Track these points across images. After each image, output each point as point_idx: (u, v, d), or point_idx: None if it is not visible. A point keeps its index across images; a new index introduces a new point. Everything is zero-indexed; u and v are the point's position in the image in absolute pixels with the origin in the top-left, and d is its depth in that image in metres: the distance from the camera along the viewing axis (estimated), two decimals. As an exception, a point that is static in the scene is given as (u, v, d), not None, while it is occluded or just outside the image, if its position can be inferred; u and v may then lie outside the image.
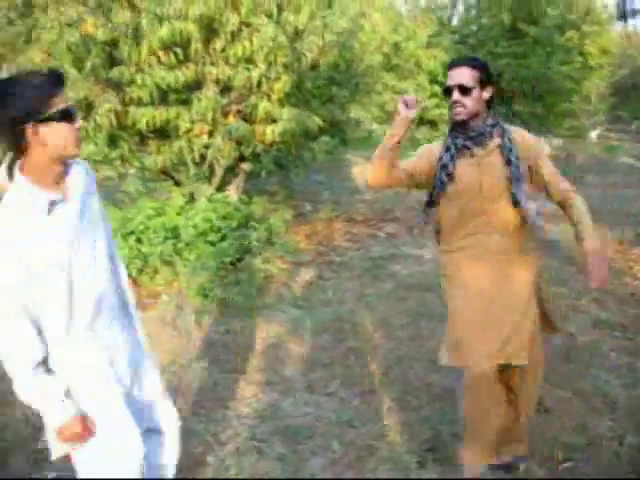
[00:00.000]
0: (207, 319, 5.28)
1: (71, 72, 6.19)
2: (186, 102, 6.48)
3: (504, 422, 2.90)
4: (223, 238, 6.46)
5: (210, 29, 6.17)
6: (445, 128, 12.86)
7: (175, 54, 6.05)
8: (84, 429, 2.12)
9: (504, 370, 2.84)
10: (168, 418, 2.45)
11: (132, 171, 7.57)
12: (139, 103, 6.20)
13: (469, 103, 2.61)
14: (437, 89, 12.37)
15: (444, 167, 2.67)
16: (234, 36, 6.18)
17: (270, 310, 5.51)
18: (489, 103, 2.70)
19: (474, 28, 12.96)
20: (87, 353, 2.13)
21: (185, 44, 6.05)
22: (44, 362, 2.06)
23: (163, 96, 6.42)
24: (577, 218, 2.68)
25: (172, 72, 5.98)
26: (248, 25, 6.22)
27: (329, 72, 7.41)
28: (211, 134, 6.56)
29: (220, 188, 7.64)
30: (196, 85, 6.39)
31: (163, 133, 6.76)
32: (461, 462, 3.00)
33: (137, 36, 6.07)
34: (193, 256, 6.15)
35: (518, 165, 2.68)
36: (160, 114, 6.16)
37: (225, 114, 6.60)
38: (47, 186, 2.00)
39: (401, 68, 12.72)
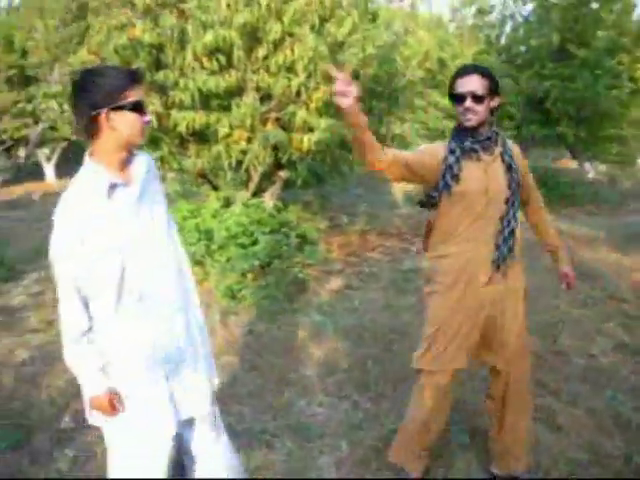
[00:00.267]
0: (232, 319, 5.40)
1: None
2: (227, 108, 6.64)
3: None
4: (254, 242, 6.58)
5: (253, 37, 6.32)
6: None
7: (218, 60, 6.22)
8: (111, 406, 2.24)
9: (494, 375, 2.96)
10: (211, 408, 2.49)
11: (171, 174, 7.77)
12: (181, 106, 6.38)
13: (480, 110, 2.67)
14: (480, 107, 12.35)
15: (450, 168, 2.70)
16: (276, 45, 6.32)
17: (295, 315, 5.61)
18: (493, 112, 2.76)
19: (522, 48, 12.93)
20: (133, 331, 2.23)
21: (228, 51, 6.21)
22: (90, 335, 2.22)
23: (206, 101, 6.60)
24: (552, 238, 3.11)
25: (214, 77, 6.15)
26: (291, 35, 6.35)
27: (369, 84, 7.49)
28: (249, 140, 6.69)
29: (256, 194, 7.77)
30: (237, 91, 6.55)
31: (203, 137, 6.94)
32: (396, 460, 3.08)
33: (182, 41, 6.27)
34: (224, 258, 6.29)
35: (517, 172, 2.75)
36: (200, 118, 6.33)
37: (264, 121, 6.74)
38: (112, 170, 2.18)
39: (446, 85, 12.72)
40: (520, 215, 2.89)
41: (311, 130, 6.68)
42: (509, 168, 2.76)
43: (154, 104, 6.33)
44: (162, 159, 7.08)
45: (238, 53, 6.20)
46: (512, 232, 2.81)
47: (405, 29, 7.95)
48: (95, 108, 2.11)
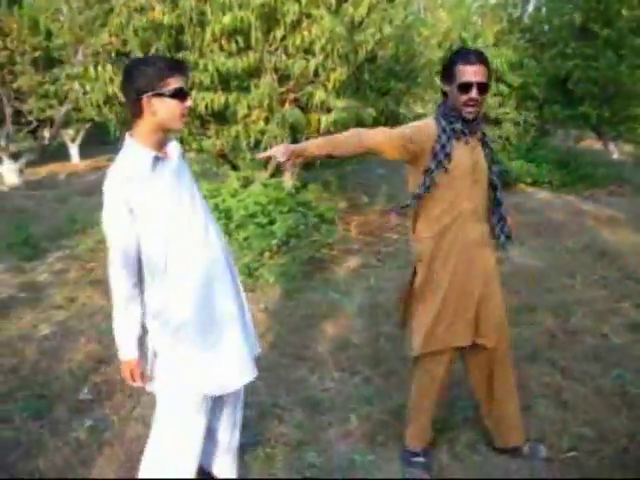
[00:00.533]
0: (249, 296, 5.47)
1: (137, 55, 6.50)
2: (246, 89, 6.71)
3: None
4: (272, 222, 6.67)
5: (271, 18, 6.36)
6: (507, 126, 12.73)
7: (236, 41, 6.28)
8: (135, 374, 2.48)
9: (477, 354, 3.01)
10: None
11: (191, 154, 7.87)
12: (200, 87, 6.46)
13: (482, 101, 2.72)
14: (502, 88, 12.25)
15: (443, 147, 2.73)
16: (294, 26, 6.36)
17: (311, 293, 5.70)
18: None
19: (545, 27, 12.78)
20: (180, 296, 2.45)
21: (246, 32, 6.26)
22: (137, 299, 2.44)
23: (225, 82, 6.67)
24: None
25: (232, 58, 6.21)
26: (308, 16, 6.39)
27: (388, 65, 7.51)
28: (267, 120, 6.76)
29: (275, 174, 7.85)
30: (255, 72, 6.61)
31: (222, 118, 7.02)
32: (407, 444, 3.14)
33: (201, 23, 6.33)
34: (242, 237, 6.38)
35: (495, 156, 2.84)
36: (219, 98, 6.40)
37: (282, 102, 6.80)
38: (152, 148, 2.40)
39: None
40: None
41: (329, 110, 6.73)
42: (491, 151, 2.84)
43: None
44: (182, 140, 7.18)
45: (256, 34, 6.25)
46: (495, 212, 2.91)
47: (424, 8, 7.92)
48: (139, 93, 2.34)
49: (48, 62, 12.86)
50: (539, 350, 4.34)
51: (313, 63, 6.39)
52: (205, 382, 2.51)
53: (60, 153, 18.16)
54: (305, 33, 6.26)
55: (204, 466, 2.86)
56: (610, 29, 11.54)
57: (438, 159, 2.73)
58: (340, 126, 6.78)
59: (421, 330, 2.92)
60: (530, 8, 12.75)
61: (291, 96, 6.80)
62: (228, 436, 2.84)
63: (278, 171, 7.92)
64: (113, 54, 6.83)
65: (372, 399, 3.76)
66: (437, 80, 11.92)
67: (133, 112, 2.39)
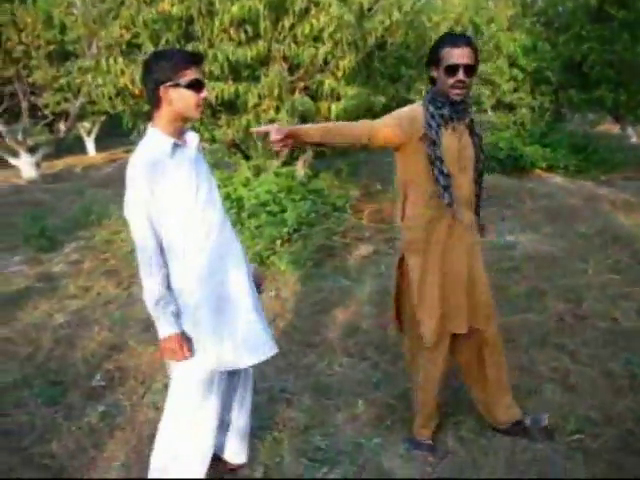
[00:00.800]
0: (260, 284, 5.54)
1: (148, 47, 6.56)
2: (256, 78, 6.74)
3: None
4: (284, 210, 6.70)
5: (279, 7, 6.37)
6: (522, 111, 12.65)
7: (245, 31, 6.30)
8: (181, 349, 2.52)
9: (467, 337, 3.03)
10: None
11: (204, 143, 7.91)
12: (210, 77, 6.50)
13: (469, 83, 2.72)
14: (516, 72, 12.15)
15: (436, 133, 2.74)
16: (302, 14, 6.36)
17: (322, 280, 5.74)
18: None
19: (560, 10, 12.63)
20: (197, 276, 2.54)
21: (255, 22, 6.28)
22: (167, 280, 2.53)
23: (235, 71, 6.70)
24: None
25: (241, 48, 6.23)
26: (317, 4, 6.39)
27: (399, 51, 7.49)
28: (278, 109, 6.78)
29: (288, 163, 7.88)
30: (265, 61, 6.63)
31: (233, 107, 7.05)
32: (417, 435, 3.16)
33: (210, 13, 6.35)
34: (254, 225, 6.43)
35: (482, 142, 2.88)
36: (229, 88, 6.43)
37: (292, 90, 6.82)
38: (171, 136, 2.51)
39: (480, 51, 12.55)
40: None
41: (339, 98, 6.74)
42: (479, 139, 2.87)
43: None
44: (194, 129, 7.21)
45: (264, 24, 6.26)
46: (473, 200, 2.96)
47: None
48: (156, 84, 2.47)
49: (63, 56, 12.95)
50: (548, 335, 4.35)
51: (322, 51, 6.40)
52: (217, 359, 2.59)
53: (76, 146, 18.34)
54: (313, 21, 6.26)
55: (215, 451, 2.92)
56: (626, 11, 11.38)
57: (429, 147, 2.74)
58: (350, 113, 6.81)
59: (430, 320, 2.92)
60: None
61: (301, 84, 6.82)
62: (238, 420, 2.91)
63: (290, 160, 7.95)
64: (124, 46, 6.87)
65: (379, 384, 3.80)
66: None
67: (152, 102, 2.52)
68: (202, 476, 2.70)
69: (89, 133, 17.96)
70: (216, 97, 6.50)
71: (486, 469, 2.94)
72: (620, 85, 11.83)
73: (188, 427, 2.65)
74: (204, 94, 2.51)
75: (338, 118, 6.83)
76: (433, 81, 2.82)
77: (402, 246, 3.02)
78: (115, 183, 10.36)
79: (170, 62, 2.47)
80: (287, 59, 6.61)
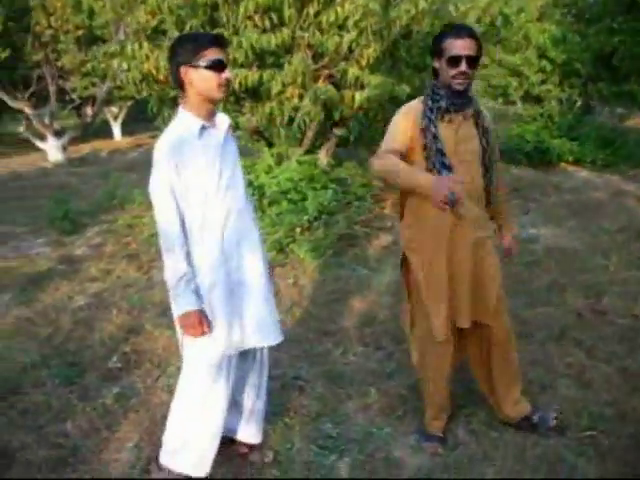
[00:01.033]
0: (278, 271, 5.57)
1: (173, 32, 6.57)
2: (280, 65, 6.72)
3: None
4: (305, 198, 6.71)
5: (304, -6, 6.35)
6: (550, 103, 12.49)
7: (270, 18, 6.29)
8: (200, 325, 2.56)
9: (475, 332, 3.01)
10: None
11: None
12: (235, 64, 6.50)
13: (471, 74, 2.69)
14: (545, 64, 11.99)
15: (428, 130, 2.73)
16: (327, 2, 6.33)
17: (340, 268, 5.74)
18: None
19: (591, 1, 12.44)
20: (211, 257, 2.58)
21: (280, 9, 6.26)
22: (185, 256, 2.55)
23: (260, 59, 6.70)
24: (502, 206, 3.14)
25: (265, 35, 6.22)
26: (342, -8, 6.35)
27: (424, 40, 7.41)
28: (301, 97, 6.76)
29: (311, 151, 7.87)
30: (290, 49, 6.61)
31: (257, 94, 7.05)
32: (428, 427, 3.15)
33: (236, 0, 6.35)
34: (274, 213, 6.44)
35: (489, 134, 2.84)
36: (252, 75, 6.42)
37: (316, 78, 6.79)
38: (201, 118, 2.55)
39: (509, 41, 12.43)
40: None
41: (363, 87, 6.70)
42: (484, 132, 2.82)
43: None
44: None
45: (289, 11, 6.24)
46: (483, 195, 2.90)
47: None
48: (178, 65, 2.52)
49: (91, 40, 13.04)
50: (566, 330, 4.31)
51: (347, 39, 6.36)
52: (226, 341, 2.63)
53: (103, 130, 18.51)
54: (338, 9, 6.22)
55: (230, 433, 2.96)
56: (659, 2, 11.18)
57: (429, 142, 2.73)
58: (374, 102, 6.78)
59: (438, 315, 2.90)
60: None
61: (325, 73, 6.79)
62: (252, 403, 2.94)
63: (313, 148, 7.94)
64: (150, 32, 6.89)
65: (393, 374, 3.80)
66: (484, 59, 11.80)
67: (177, 84, 2.58)
68: (211, 457, 2.74)
69: (116, 118, 18.11)
70: (239, 84, 6.50)
71: (496, 462, 2.92)
72: (651, 79, 11.64)
73: (198, 408, 2.69)
74: (226, 75, 2.52)
75: (361, 107, 6.82)
76: (435, 72, 2.80)
77: (403, 244, 3.01)
78: (140, 168, 10.46)
79: (191, 44, 2.51)
80: (312, 47, 6.58)
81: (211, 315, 2.61)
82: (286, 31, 6.33)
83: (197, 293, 2.57)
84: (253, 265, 2.69)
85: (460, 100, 2.75)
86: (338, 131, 7.82)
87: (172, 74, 2.58)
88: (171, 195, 2.50)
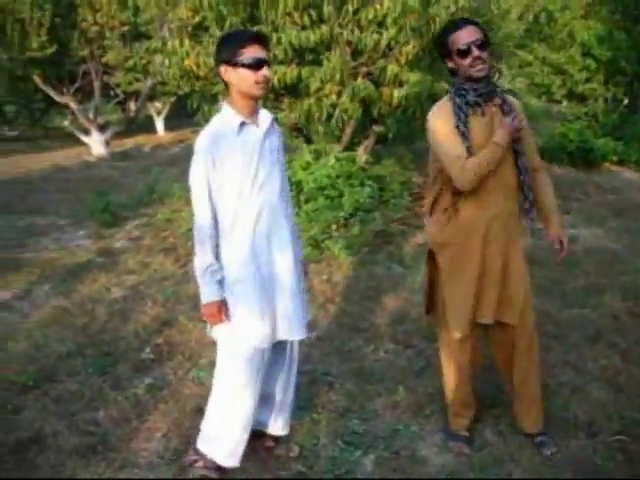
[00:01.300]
0: (312, 267, 5.58)
1: (214, 29, 6.63)
2: (319, 62, 6.74)
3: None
4: (342, 194, 6.71)
5: (343, -9, 6.35)
6: (594, 103, 12.26)
7: (309, 15, 6.30)
8: (219, 314, 2.64)
9: (500, 333, 2.97)
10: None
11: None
12: (274, 60, 6.53)
13: (486, 58, 2.65)
14: (589, 62, 11.76)
15: (464, 124, 2.69)
16: (366, 0, 6.32)
17: (375, 266, 5.74)
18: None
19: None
20: (242, 252, 2.63)
21: (319, 6, 6.28)
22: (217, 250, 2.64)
23: (300, 55, 6.72)
24: (544, 198, 2.96)
25: (304, 32, 6.24)
26: (381, -11, 6.33)
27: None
28: (339, 94, 6.77)
29: (350, 148, 7.87)
30: (328, 46, 6.62)
31: (295, 91, 7.07)
32: (453, 425, 3.12)
33: (275, -4, 6.38)
34: (311, 209, 6.46)
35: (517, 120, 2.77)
36: (291, 71, 6.45)
37: (355, 75, 6.79)
38: (241, 114, 2.60)
39: (553, 39, 12.22)
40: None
41: (402, 84, 6.68)
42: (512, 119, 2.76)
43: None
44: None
45: (328, 8, 6.25)
46: (515, 187, 2.84)
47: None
48: (218, 63, 2.60)
49: (136, 37, 13.26)
50: (601, 332, 4.24)
51: (385, 36, 6.34)
52: (258, 335, 2.67)
53: (147, 125, 18.77)
54: (377, 6, 6.21)
55: (259, 426, 2.99)
56: None
57: (464, 135, 2.70)
58: (413, 100, 6.75)
59: (461, 314, 2.88)
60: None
61: (364, 70, 6.78)
62: (281, 397, 2.97)
63: (351, 145, 7.94)
64: (190, 29, 6.97)
65: (422, 372, 3.79)
66: (517, 53, 11.65)
67: (222, 81, 2.63)
68: (242, 448, 2.79)
69: (159, 113, 18.34)
70: (278, 80, 6.53)
71: (522, 463, 2.90)
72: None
73: (231, 400, 2.74)
74: (263, 72, 2.53)
75: (400, 104, 6.80)
76: (453, 73, 2.79)
77: (430, 241, 3.00)
78: (180, 162, 10.59)
79: (230, 42, 2.57)
80: (350, 44, 6.58)
81: (241, 310, 2.65)
82: (325, 28, 6.34)
83: (221, 284, 2.64)
84: (283, 260, 2.72)
85: (485, 89, 2.72)
86: (377, 128, 7.81)
87: (216, 72, 2.66)
88: (206, 188, 2.56)
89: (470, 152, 2.70)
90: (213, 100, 7.35)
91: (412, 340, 4.25)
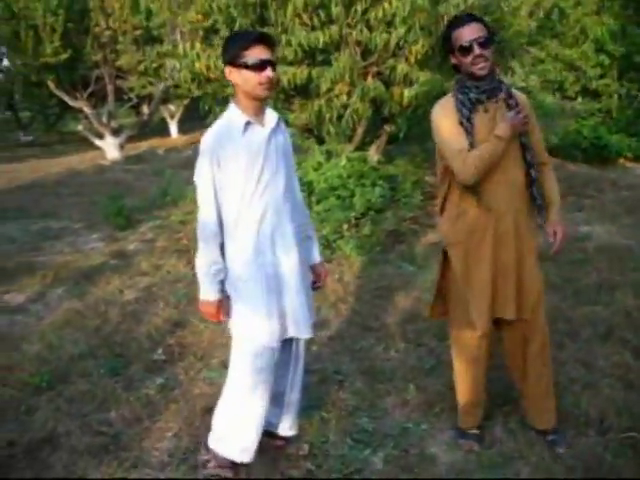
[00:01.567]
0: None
1: (225, 32, 6.67)
2: (329, 63, 6.75)
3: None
4: (353, 194, 6.72)
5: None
6: (608, 99, 12.16)
7: (318, 16, 6.32)
8: (217, 312, 2.70)
9: (512, 330, 2.96)
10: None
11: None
12: (284, 62, 6.56)
13: (489, 55, 2.65)
14: (603, 58, 11.67)
15: (468, 120, 2.69)
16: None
17: (387, 265, 5.74)
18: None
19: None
20: (247, 252, 2.65)
21: (328, 6, 6.29)
22: (217, 247, 2.66)
23: (310, 56, 6.74)
24: (549, 192, 2.94)
25: (313, 33, 6.26)
26: (390, -12, 6.33)
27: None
28: (350, 94, 6.78)
29: (361, 148, 7.88)
30: (338, 46, 6.63)
31: (306, 92, 7.09)
32: (463, 423, 3.12)
33: (284, -2, 6.41)
34: (322, 209, 6.47)
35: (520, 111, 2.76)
36: (301, 72, 6.48)
37: (365, 75, 6.80)
38: (247, 114, 2.61)
39: (566, 35, 12.15)
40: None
41: (412, 84, 6.68)
42: (517, 113, 2.74)
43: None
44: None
45: (337, 8, 6.26)
46: (523, 182, 2.82)
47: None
48: (225, 65, 2.61)
49: (148, 40, 13.33)
50: (613, 329, 4.21)
51: (395, 36, 6.34)
52: (267, 334, 2.69)
53: (160, 128, 18.87)
54: (386, 6, 6.21)
55: (268, 426, 3.01)
56: None
57: (467, 132, 2.70)
58: (423, 99, 6.74)
59: (479, 310, 2.87)
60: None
61: (374, 69, 6.79)
62: (287, 395, 2.99)
63: (364, 144, 7.95)
64: (201, 32, 7.01)
65: (433, 371, 3.79)
66: (530, 50, 11.58)
67: (230, 81, 2.65)
68: (255, 444, 2.81)
69: (172, 116, 18.44)
70: (288, 81, 6.55)
71: (532, 461, 2.89)
72: None
73: (243, 398, 2.76)
74: (267, 73, 2.53)
75: (410, 104, 6.80)
76: (457, 68, 2.78)
77: (444, 239, 2.99)
78: (193, 165, 10.47)
79: (234, 43, 2.58)
80: (360, 44, 6.59)
81: (246, 308, 2.67)
82: (334, 28, 6.36)
83: (222, 284, 2.67)
84: (287, 260, 2.72)
85: (488, 86, 2.71)
86: (388, 128, 7.81)
87: (224, 73, 2.67)
88: (211, 187, 2.59)
89: (473, 147, 2.70)
90: (225, 102, 7.35)
91: (423, 339, 4.24)
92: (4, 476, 2.95)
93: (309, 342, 4.10)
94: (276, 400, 2.97)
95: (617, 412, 3.22)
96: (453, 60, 2.76)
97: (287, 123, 7.49)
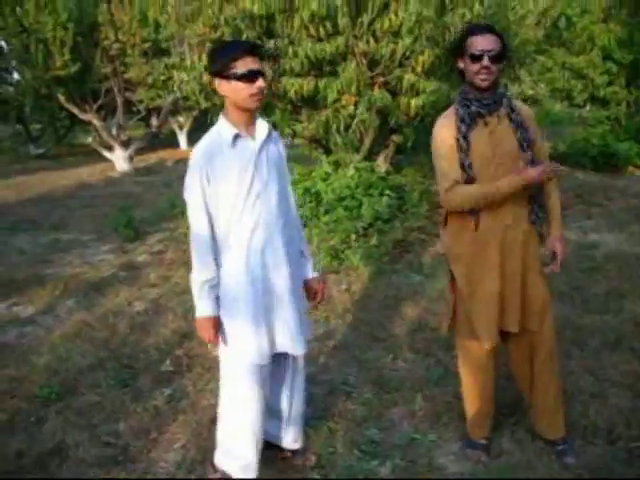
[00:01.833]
0: (332, 278, 5.61)
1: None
2: (336, 73, 6.78)
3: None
4: (361, 205, 6.73)
5: (358, 3, 6.39)
6: (615, 107, 12.13)
7: (325, 27, 6.35)
8: (212, 331, 2.63)
9: (519, 340, 2.95)
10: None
11: (284, 138, 8.03)
12: (291, 73, 6.59)
13: (496, 70, 2.64)
14: (610, 65, 11.66)
15: (464, 137, 2.69)
16: (381, 10, 6.35)
17: (394, 275, 5.74)
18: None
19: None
20: (238, 265, 2.61)
21: (334, 18, 6.32)
22: (212, 264, 2.61)
23: (317, 67, 6.77)
24: (552, 208, 2.93)
25: (320, 44, 6.29)
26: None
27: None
28: (357, 105, 6.80)
29: (369, 158, 7.89)
30: (345, 57, 6.66)
31: (313, 102, 7.12)
32: (472, 434, 3.11)
33: (291, 10, 6.44)
34: (330, 220, 6.49)
35: (528, 130, 2.75)
36: (308, 83, 6.51)
37: (371, 86, 6.82)
38: (237, 126, 2.56)
39: (573, 44, 12.14)
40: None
41: (419, 94, 6.69)
42: (518, 126, 2.74)
43: (267, 72, 6.58)
44: (275, 125, 7.35)
45: (344, 20, 6.29)
46: (525, 193, 2.80)
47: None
48: (213, 77, 2.56)
49: (157, 53, 13.40)
50: (622, 338, 4.20)
51: (401, 46, 6.37)
52: (255, 352, 2.65)
53: (170, 140, 18.96)
54: (392, 17, 6.24)
55: (274, 440, 3.01)
56: None
57: (463, 150, 2.70)
58: (430, 109, 6.76)
59: (485, 324, 2.87)
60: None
61: (381, 80, 6.81)
62: (287, 410, 2.97)
63: (371, 154, 7.96)
64: (208, 44, 7.05)
65: (440, 381, 3.78)
66: (537, 58, 11.56)
67: (218, 94, 2.62)
68: (255, 460, 2.79)
69: (182, 128, 18.51)
70: (295, 92, 6.59)
71: (540, 471, 2.88)
72: None
73: (235, 416, 2.75)
74: (259, 84, 2.49)
75: (417, 114, 6.82)
76: (462, 74, 2.77)
77: (445, 252, 2.99)
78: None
79: (221, 55, 2.52)
80: (366, 54, 6.62)
81: (237, 326, 2.64)
82: (341, 39, 6.39)
83: (217, 300, 2.64)
84: (278, 276, 2.67)
85: (489, 100, 2.70)
86: (396, 138, 7.83)
87: (212, 84, 2.63)
88: (202, 201, 2.53)
89: (470, 167, 2.71)
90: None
91: (431, 349, 4.24)
92: (13, 488, 2.96)
93: (316, 353, 4.15)
94: (276, 415, 2.97)
95: (626, 422, 3.21)
96: (460, 64, 2.75)
97: (294, 134, 7.56)
